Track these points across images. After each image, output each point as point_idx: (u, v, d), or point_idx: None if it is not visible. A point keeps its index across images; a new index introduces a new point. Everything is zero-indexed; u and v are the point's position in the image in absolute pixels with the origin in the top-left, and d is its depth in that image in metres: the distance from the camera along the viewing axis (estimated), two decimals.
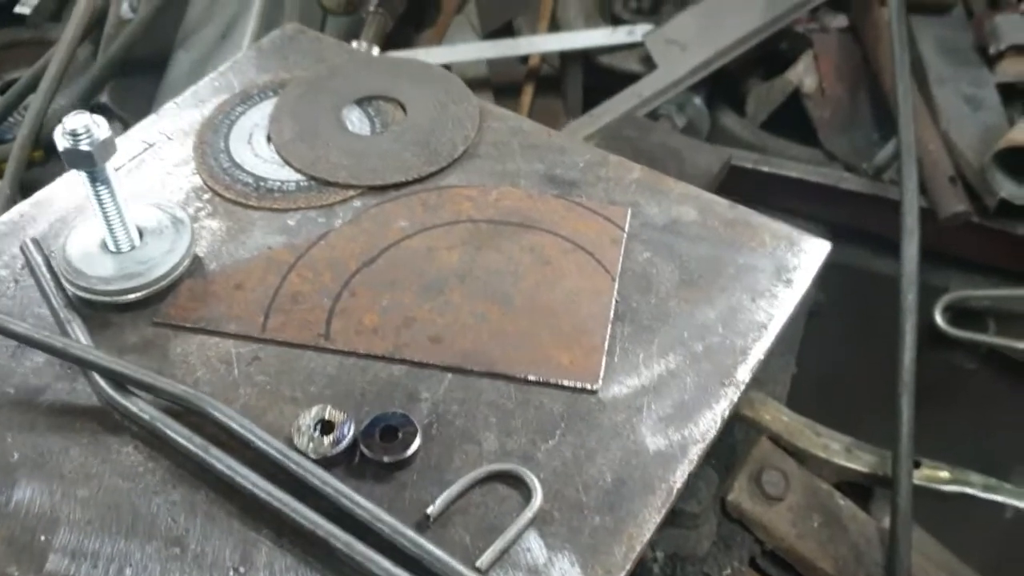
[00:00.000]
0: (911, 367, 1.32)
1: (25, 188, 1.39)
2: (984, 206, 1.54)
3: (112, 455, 0.77)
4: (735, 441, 1.33)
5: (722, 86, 1.76)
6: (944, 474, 1.43)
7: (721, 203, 0.98)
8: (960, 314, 1.66)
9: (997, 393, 1.70)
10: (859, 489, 1.46)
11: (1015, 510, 1.35)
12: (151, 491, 0.74)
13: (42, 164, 1.52)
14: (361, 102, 1.07)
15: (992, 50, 1.71)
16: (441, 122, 1.04)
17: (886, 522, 1.42)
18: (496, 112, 1.07)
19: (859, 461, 1.45)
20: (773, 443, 1.39)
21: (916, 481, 1.30)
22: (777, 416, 1.41)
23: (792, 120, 1.74)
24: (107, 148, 0.80)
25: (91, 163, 0.79)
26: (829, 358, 1.65)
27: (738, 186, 1.62)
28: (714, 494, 1.24)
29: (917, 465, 1.35)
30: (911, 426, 1.30)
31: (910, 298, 1.34)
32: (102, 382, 0.79)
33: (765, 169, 1.60)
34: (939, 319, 1.64)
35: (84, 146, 0.78)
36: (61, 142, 0.79)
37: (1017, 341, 1.64)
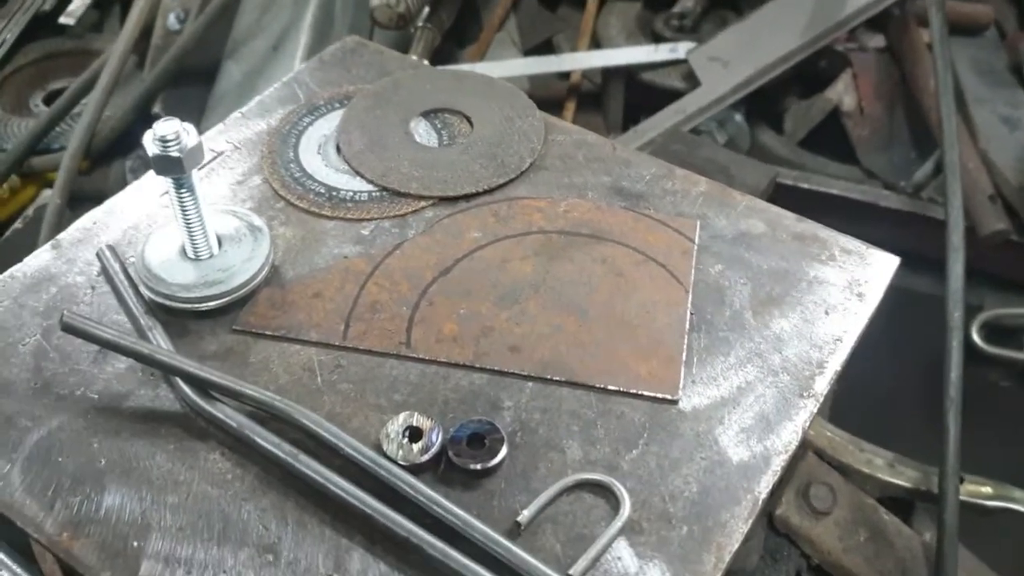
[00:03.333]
0: (958, 384, 1.32)
1: (70, 198, 1.40)
2: (1022, 224, 1.55)
3: (199, 462, 0.77)
4: None
5: (760, 104, 1.77)
6: (987, 489, 1.44)
7: (788, 216, 0.99)
8: (996, 331, 1.67)
9: None
10: (900, 503, 1.47)
11: None
12: (240, 498, 0.75)
13: (87, 174, 1.53)
14: (427, 114, 1.08)
15: None
16: (507, 135, 1.05)
17: (928, 536, 1.42)
18: (560, 125, 1.08)
19: (903, 476, 1.46)
20: (818, 457, 1.40)
21: (960, 497, 1.31)
22: (821, 431, 1.42)
23: (830, 139, 1.75)
24: (196, 155, 0.80)
25: (180, 169, 0.80)
26: (868, 374, 1.66)
27: (778, 202, 1.63)
28: (763, 508, 1.24)
29: (961, 480, 1.36)
30: (958, 443, 1.30)
31: (956, 316, 1.35)
32: (187, 388, 0.79)
33: (805, 186, 1.61)
34: (976, 336, 1.65)
35: (174, 152, 0.79)
36: (151, 148, 0.79)
37: None
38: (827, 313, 0.89)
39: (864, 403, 1.65)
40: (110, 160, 1.50)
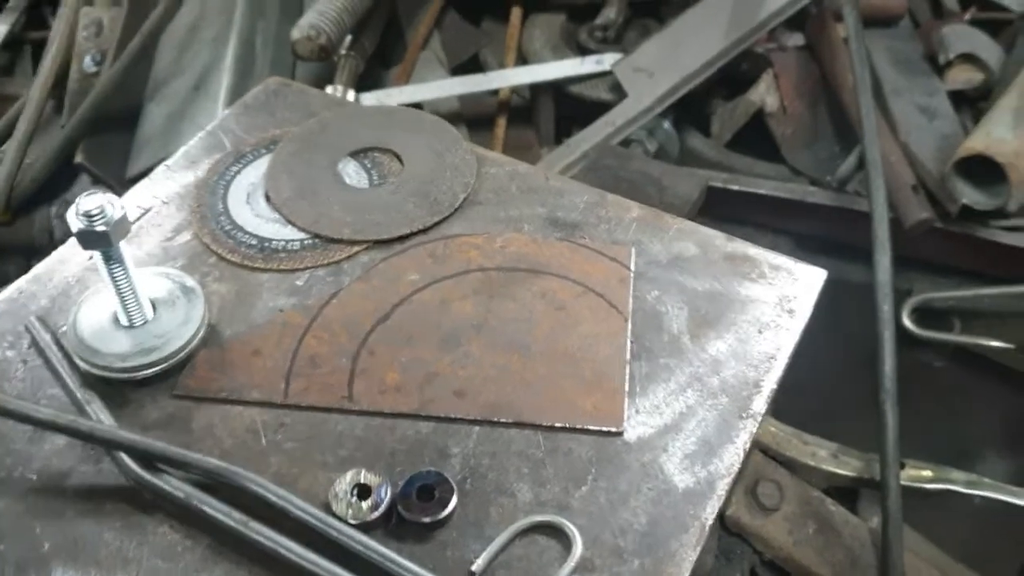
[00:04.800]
0: (892, 374, 1.36)
1: None
2: (946, 212, 1.60)
3: (148, 536, 0.76)
4: None
5: (688, 109, 1.79)
6: (927, 473, 1.48)
7: (718, 237, 1.00)
8: (926, 314, 1.71)
9: (965, 388, 1.76)
10: (845, 492, 1.51)
11: (990, 501, 1.41)
12: (192, 570, 0.74)
13: (8, 224, 1.49)
14: (356, 154, 1.07)
15: (941, 60, 1.78)
16: (439, 171, 1.05)
17: (874, 522, 1.46)
18: (491, 157, 1.08)
19: (846, 466, 1.50)
20: (764, 454, 1.43)
21: (902, 482, 1.35)
22: (765, 427, 1.45)
23: (756, 138, 1.78)
24: (122, 227, 0.79)
25: (107, 243, 0.79)
26: (807, 366, 1.69)
27: (709, 205, 1.66)
28: None
29: (902, 466, 1.40)
30: (896, 431, 1.34)
31: (886, 308, 1.38)
32: (130, 462, 0.78)
33: (735, 188, 1.64)
34: (907, 321, 1.69)
35: (99, 227, 0.78)
36: (75, 223, 0.78)
37: (981, 338, 1.70)
38: (760, 332, 0.91)
39: (806, 395, 1.69)
40: (33, 208, 1.46)
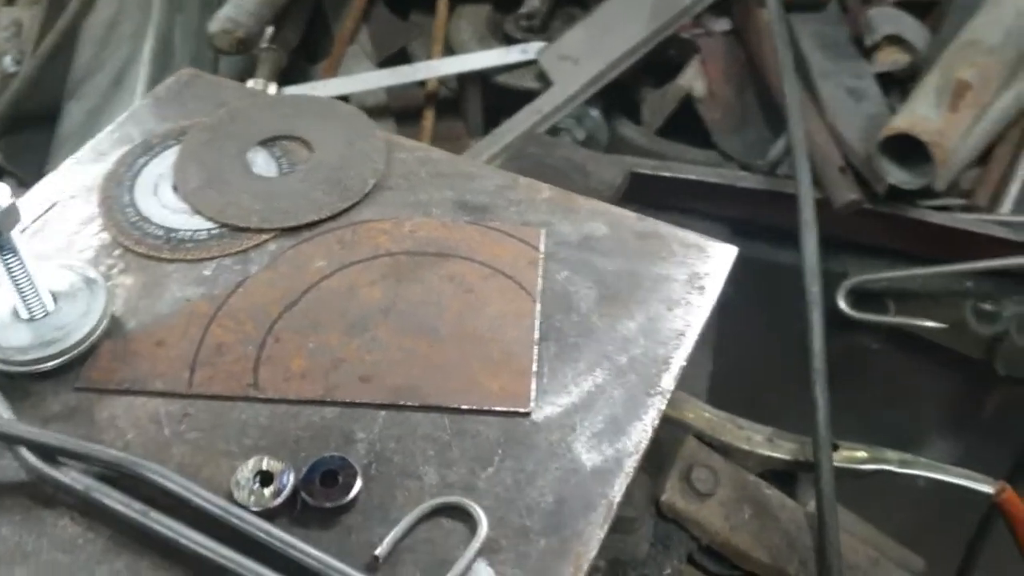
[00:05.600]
0: (822, 355, 1.37)
1: None
2: (873, 192, 1.62)
3: (48, 529, 0.75)
4: (662, 441, 1.36)
5: (617, 96, 1.80)
6: (861, 454, 1.49)
7: (629, 216, 1.01)
8: (861, 297, 1.73)
9: (901, 368, 1.79)
10: (783, 475, 1.52)
11: (929, 480, 1.43)
12: (93, 562, 0.73)
13: None
14: (266, 143, 1.06)
15: (868, 42, 1.81)
16: (349, 157, 1.04)
17: (812, 506, 1.47)
18: (403, 143, 1.08)
19: (781, 450, 1.50)
20: (699, 440, 1.43)
21: (836, 464, 1.36)
22: (700, 413, 1.45)
23: (687, 125, 1.79)
24: (11, 216, 0.78)
25: None
26: (743, 350, 1.71)
27: (641, 192, 1.66)
28: (648, 496, 1.26)
29: (835, 448, 1.41)
30: (827, 413, 1.35)
31: (814, 290, 1.39)
32: (29, 456, 0.77)
33: (665, 174, 1.65)
34: (842, 303, 1.71)
35: None
36: None
37: (915, 318, 1.72)
38: (670, 309, 0.92)
39: (744, 381, 1.71)
40: None
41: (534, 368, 0.86)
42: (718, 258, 0.97)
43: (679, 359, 0.88)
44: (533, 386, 0.84)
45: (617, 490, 0.78)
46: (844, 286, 1.71)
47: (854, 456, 1.49)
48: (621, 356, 0.87)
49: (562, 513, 0.76)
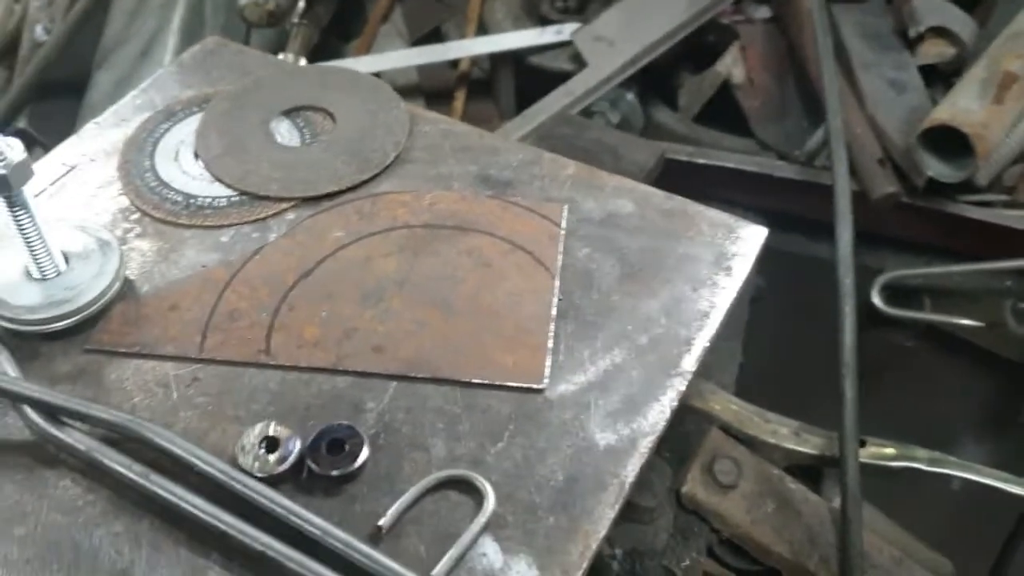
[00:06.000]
0: (852, 349, 1.33)
1: None
2: (913, 186, 1.57)
3: (49, 490, 0.74)
4: (687, 432, 1.33)
5: (654, 81, 1.77)
6: (890, 451, 1.46)
7: (657, 194, 0.98)
8: (896, 292, 1.69)
9: (935, 367, 1.74)
10: (809, 471, 1.48)
11: (961, 481, 1.38)
12: (92, 524, 0.72)
13: None
14: (289, 113, 1.05)
15: (912, 33, 1.75)
16: (371, 129, 1.02)
17: (837, 502, 1.44)
18: (427, 116, 1.06)
19: (807, 444, 1.47)
20: (724, 432, 1.40)
21: (863, 459, 1.32)
22: (726, 405, 1.42)
23: (724, 111, 1.76)
24: (23, 171, 0.77)
25: (6, 187, 0.77)
26: (774, 343, 1.67)
27: (675, 179, 1.62)
28: (668, 487, 1.24)
29: (863, 444, 1.37)
30: (855, 407, 1.31)
31: (847, 282, 1.35)
32: (34, 415, 0.76)
33: (701, 161, 1.61)
34: (876, 299, 1.66)
35: None
36: None
37: (951, 316, 1.67)
38: (695, 290, 0.89)
39: (771, 372, 1.67)
40: None
41: (549, 344, 0.83)
42: (748, 239, 0.94)
43: (702, 340, 0.85)
44: (548, 362, 0.82)
45: (630, 470, 0.76)
46: (879, 281, 1.66)
47: (882, 453, 1.45)
48: (641, 336, 0.85)
49: (572, 491, 0.74)
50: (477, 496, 0.73)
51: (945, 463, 1.40)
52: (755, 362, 1.60)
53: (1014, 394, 1.72)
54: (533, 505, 0.73)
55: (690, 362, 0.84)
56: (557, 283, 0.88)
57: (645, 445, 0.78)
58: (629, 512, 1.08)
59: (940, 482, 1.41)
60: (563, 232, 0.93)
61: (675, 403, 0.81)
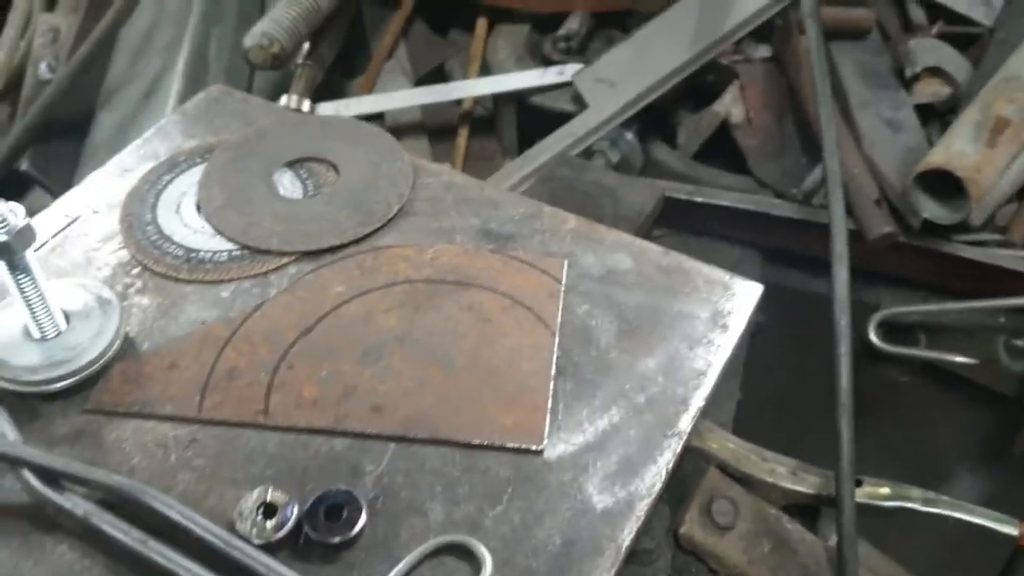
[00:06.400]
0: (848, 390, 1.34)
1: None
2: (909, 226, 1.58)
3: (46, 555, 0.74)
4: (685, 473, 1.33)
5: (653, 120, 1.77)
6: (885, 490, 1.46)
7: (655, 250, 0.98)
8: (892, 329, 1.69)
9: (931, 402, 1.74)
10: (806, 509, 1.48)
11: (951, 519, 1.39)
12: None
13: None
14: (292, 164, 1.06)
15: (908, 73, 1.77)
16: (374, 181, 1.03)
17: (834, 540, 1.44)
18: (429, 168, 1.07)
19: (804, 483, 1.47)
20: (721, 471, 1.40)
21: (859, 500, 1.32)
22: (724, 443, 1.42)
23: (723, 149, 1.76)
24: (25, 236, 0.77)
25: (9, 252, 0.77)
26: (771, 379, 1.67)
27: (673, 217, 1.64)
28: (667, 528, 1.24)
29: (859, 483, 1.37)
30: (851, 448, 1.31)
31: (843, 322, 1.36)
32: (33, 479, 0.76)
33: (699, 199, 1.62)
34: (873, 336, 1.67)
35: (0, 236, 0.76)
36: None
37: (947, 353, 1.68)
38: (691, 348, 0.89)
39: (768, 409, 1.67)
40: None
41: (549, 404, 0.84)
42: (743, 296, 0.94)
43: (698, 400, 0.85)
44: (547, 423, 0.82)
45: (627, 534, 0.76)
46: (875, 318, 1.67)
47: (877, 492, 1.45)
48: (639, 395, 0.85)
49: (569, 555, 0.74)
50: (475, 563, 0.73)
51: (939, 503, 1.40)
52: (753, 396, 1.60)
53: (1008, 428, 1.72)
54: (530, 571, 0.73)
55: (687, 422, 0.84)
56: (557, 340, 0.89)
57: (642, 508, 0.78)
58: (628, 554, 1.08)
59: (933, 517, 1.41)
60: (563, 288, 0.93)
61: (672, 465, 0.81)
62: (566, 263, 0.96)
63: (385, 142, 1.09)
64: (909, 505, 1.39)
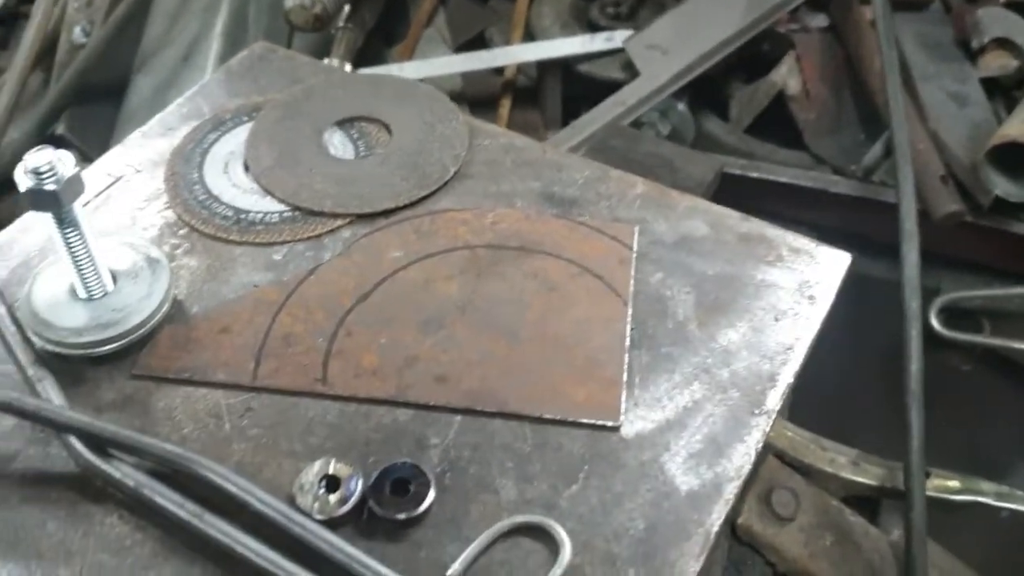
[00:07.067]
0: (919, 376, 1.28)
1: None
2: (977, 204, 1.51)
3: (95, 527, 0.69)
4: None
5: (704, 91, 1.71)
6: (954, 483, 1.40)
7: (732, 216, 0.92)
8: (954, 315, 1.63)
9: (994, 394, 1.68)
10: (865, 501, 1.43)
11: (1020, 515, 1.33)
12: (141, 566, 0.67)
13: None
14: (342, 124, 1.00)
15: (975, 44, 1.69)
16: (429, 142, 0.97)
17: (895, 534, 1.38)
18: (486, 129, 1.01)
19: (867, 474, 1.41)
20: (779, 460, 1.35)
21: (927, 493, 1.27)
22: (781, 432, 1.37)
23: (776, 124, 1.70)
24: (74, 187, 0.72)
25: (57, 204, 0.72)
26: (826, 366, 1.61)
27: (725, 193, 1.58)
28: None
29: (927, 476, 1.31)
30: (921, 438, 1.25)
31: (914, 305, 1.30)
32: (79, 446, 0.71)
33: (754, 175, 1.56)
34: (934, 321, 1.61)
35: (49, 185, 0.71)
36: (23, 182, 0.71)
37: (1013, 341, 1.61)
38: (777, 320, 0.83)
39: (823, 398, 1.61)
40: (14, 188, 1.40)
41: (624, 378, 0.78)
42: (830, 265, 0.89)
43: (787, 376, 0.80)
44: (623, 398, 0.77)
45: (715, 518, 0.71)
46: (937, 302, 1.61)
47: (946, 485, 1.40)
48: (722, 370, 0.79)
49: (653, 541, 0.69)
50: (552, 544, 0.68)
51: (1012, 497, 1.34)
52: (805, 384, 1.55)
53: None
54: (611, 556, 0.68)
55: (775, 399, 0.78)
56: (630, 310, 0.83)
57: (730, 491, 0.72)
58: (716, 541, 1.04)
59: (998, 514, 1.36)
60: (634, 255, 0.87)
61: (760, 445, 0.76)
62: (637, 229, 0.90)
63: (438, 102, 1.03)
64: (981, 500, 1.33)
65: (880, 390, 1.52)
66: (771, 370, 0.80)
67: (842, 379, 1.67)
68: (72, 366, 0.78)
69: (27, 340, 0.79)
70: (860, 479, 1.39)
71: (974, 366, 1.65)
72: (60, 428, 0.72)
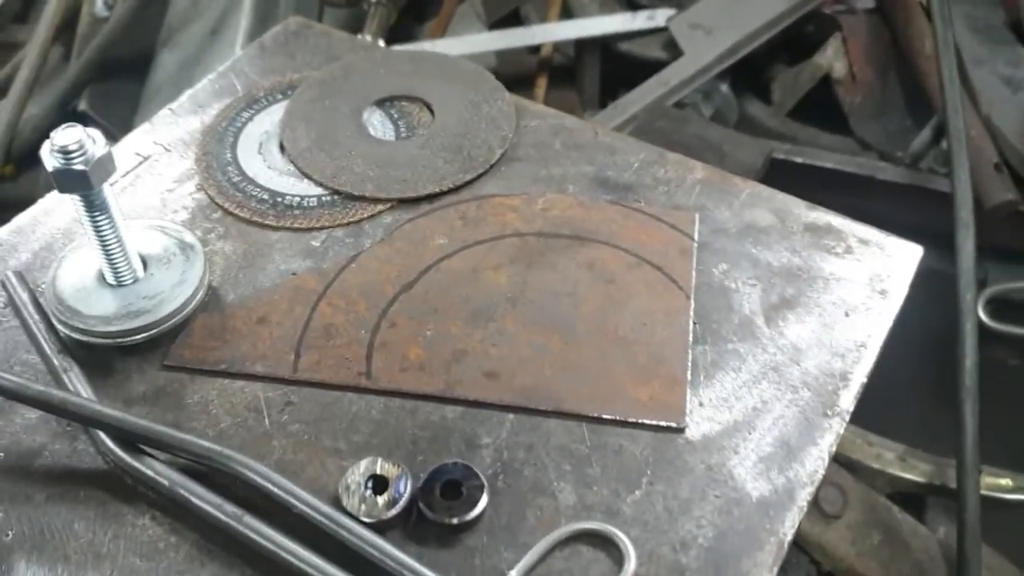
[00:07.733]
0: (973, 371, 1.23)
1: None
2: None
3: (125, 529, 0.65)
4: None
5: (746, 72, 1.65)
6: (1006, 482, 1.35)
7: (799, 204, 0.87)
8: (1003, 307, 1.58)
9: None
10: (910, 498, 1.38)
11: None
12: (176, 571, 0.63)
13: (13, 179, 1.40)
14: (382, 103, 0.95)
15: None
16: (474, 123, 0.92)
17: (942, 532, 1.33)
18: (533, 109, 0.96)
19: (915, 471, 1.37)
20: None
21: (980, 491, 1.22)
22: None
23: (820, 107, 1.64)
24: (105, 167, 0.68)
25: (86, 185, 0.67)
26: None
27: (768, 177, 1.53)
28: None
29: (979, 473, 1.27)
30: (976, 435, 1.20)
31: (968, 297, 1.25)
32: (109, 441, 0.67)
33: (798, 160, 1.50)
34: (982, 313, 1.55)
35: (78, 166, 0.66)
36: (50, 161, 0.67)
37: None
38: (848, 315, 0.78)
39: (868, 390, 1.56)
40: (39, 162, 1.37)
41: (688, 376, 0.73)
42: (901, 258, 0.84)
43: (860, 375, 0.75)
44: (688, 397, 0.72)
45: (788, 526, 0.66)
46: (985, 294, 1.56)
47: (998, 484, 1.35)
48: (791, 368, 0.74)
49: (723, 550, 0.64)
50: (615, 553, 0.64)
51: None
52: None
53: None
54: (679, 566, 0.63)
55: (848, 400, 0.73)
56: (692, 304, 0.78)
57: (803, 497, 0.68)
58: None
59: None
60: (696, 245, 0.82)
61: (833, 448, 0.71)
62: (697, 217, 0.85)
63: (483, 80, 0.98)
64: None
65: (922, 383, 1.47)
66: (843, 368, 0.75)
67: (887, 372, 1.62)
68: (100, 356, 0.74)
69: (52, 328, 0.75)
70: (908, 475, 1.35)
71: (1021, 360, 1.60)
72: (88, 422, 0.68)
